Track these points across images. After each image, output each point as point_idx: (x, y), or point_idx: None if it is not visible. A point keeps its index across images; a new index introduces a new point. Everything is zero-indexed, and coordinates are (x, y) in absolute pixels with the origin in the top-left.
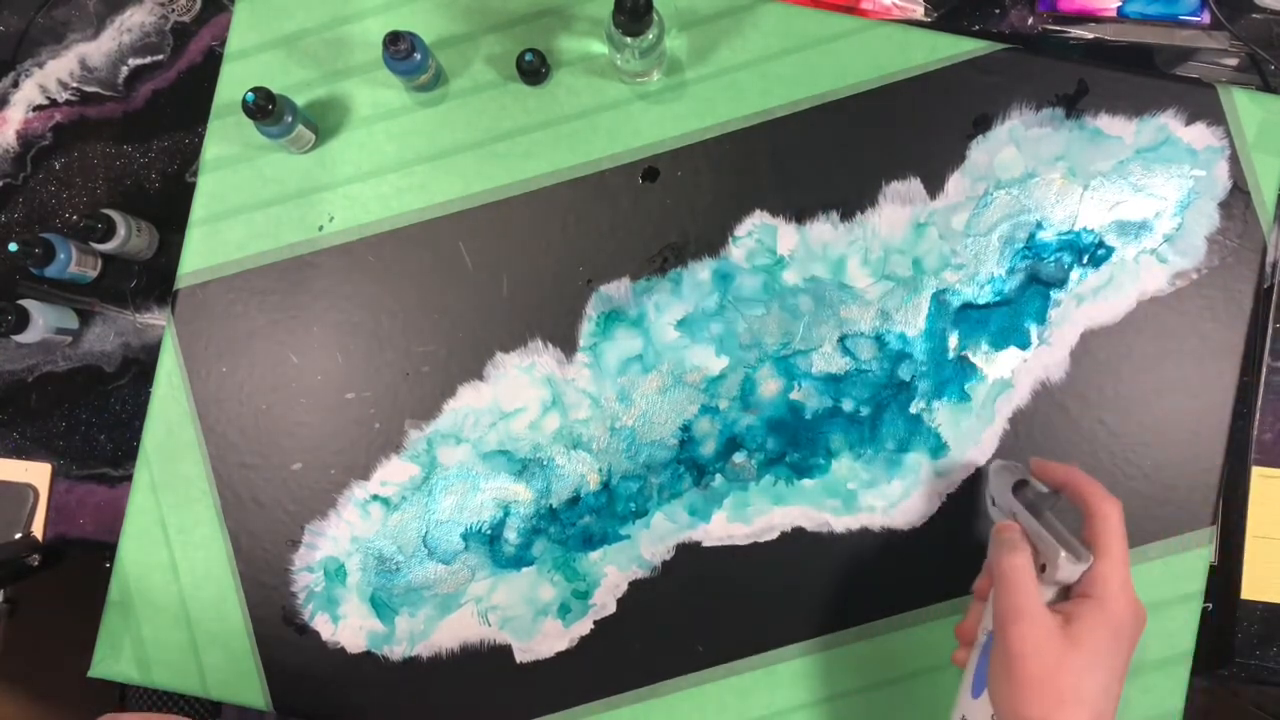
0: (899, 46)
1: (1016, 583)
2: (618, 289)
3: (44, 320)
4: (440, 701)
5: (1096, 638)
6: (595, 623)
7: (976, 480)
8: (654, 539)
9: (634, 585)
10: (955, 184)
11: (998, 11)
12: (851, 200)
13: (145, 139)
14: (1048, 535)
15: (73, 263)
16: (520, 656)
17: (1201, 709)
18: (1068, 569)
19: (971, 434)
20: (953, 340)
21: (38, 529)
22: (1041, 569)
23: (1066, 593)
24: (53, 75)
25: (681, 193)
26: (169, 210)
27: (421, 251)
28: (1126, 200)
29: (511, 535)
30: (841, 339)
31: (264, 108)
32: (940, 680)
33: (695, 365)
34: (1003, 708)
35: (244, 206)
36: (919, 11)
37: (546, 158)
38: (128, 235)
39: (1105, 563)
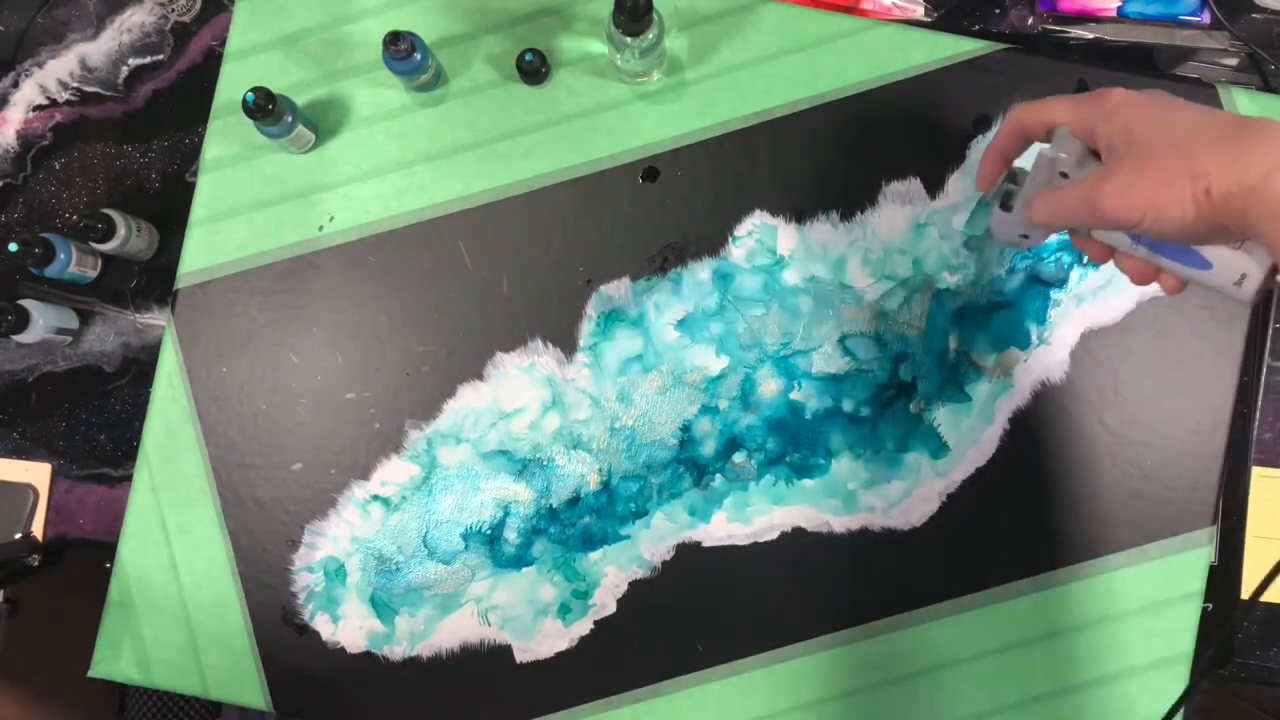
0: (899, 46)
1: (1052, 100)
2: (618, 289)
3: (44, 320)
4: (440, 701)
5: (1145, 113)
6: (595, 623)
7: (977, 480)
8: (654, 539)
9: (634, 585)
10: (955, 184)
11: (998, 11)
12: (851, 200)
13: (145, 139)
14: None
15: (73, 263)
16: (520, 656)
17: (1201, 709)
18: (1064, 145)
19: (971, 434)
20: (953, 340)
21: (38, 529)
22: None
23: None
24: (53, 75)
25: (681, 193)
26: (169, 210)
27: (421, 251)
28: None
29: (511, 535)
30: (841, 339)
31: (264, 108)
32: (940, 680)
33: (695, 365)
34: (1165, 177)
35: (244, 206)
36: (919, 11)
37: (546, 158)
38: (128, 235)
39: (1086, 110)
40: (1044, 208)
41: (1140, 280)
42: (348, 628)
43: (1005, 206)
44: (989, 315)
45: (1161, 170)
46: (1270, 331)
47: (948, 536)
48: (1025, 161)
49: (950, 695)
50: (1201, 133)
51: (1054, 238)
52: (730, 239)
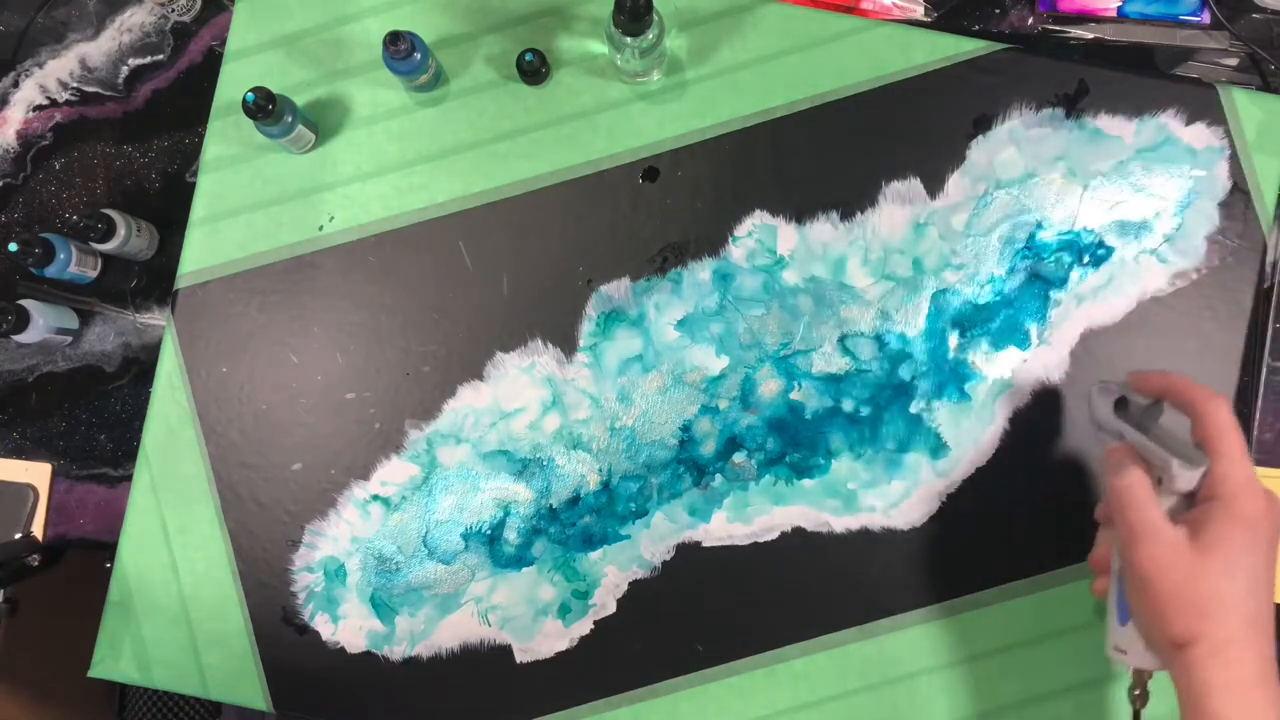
0: (899, 46)
1: (1130, 502)
2: (618, 289)
3: (44, 320)
4: (440, 701)
5: (1229, 540)
6: (595, 623)
7: (977, 480)
8: (654, 539)
9: (634, 585)
10: (955, 184)
11: (998, 11)
12: (851, 200)
13: (145, 139)
14: (1156, 448)
15: (73, 263)
16: (520, 656)
17: None
18: (1184, 476)
19: (971, 434)
20: (953, 340)
21: (38, 529)
22: (1159, 483)
23: (1190, 502)
24: (53, 75)
25: (681, 193)
26: (169, 210)
27: (421, 251)
28: (1126, 200)
29: (511, 535)
30: (841, 339)
31: (264, 108)
32: (941, 680)
33: (695, 365)
34: (1148, 632)
35: (244, 206)
36: (919, 11)
37: (546, 158)
38: (128, 235)
39: (1222, 461)
40: (1114, 479)
41: (1095, 560)
42: (348, 628)
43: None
44: (989, 315)
45: (1183, 609)
46: (1270, 331)
47: (948, 536)
48: (1169, 421)
49: (951, 695)
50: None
51: (1054, 238)
52: (730, 239)
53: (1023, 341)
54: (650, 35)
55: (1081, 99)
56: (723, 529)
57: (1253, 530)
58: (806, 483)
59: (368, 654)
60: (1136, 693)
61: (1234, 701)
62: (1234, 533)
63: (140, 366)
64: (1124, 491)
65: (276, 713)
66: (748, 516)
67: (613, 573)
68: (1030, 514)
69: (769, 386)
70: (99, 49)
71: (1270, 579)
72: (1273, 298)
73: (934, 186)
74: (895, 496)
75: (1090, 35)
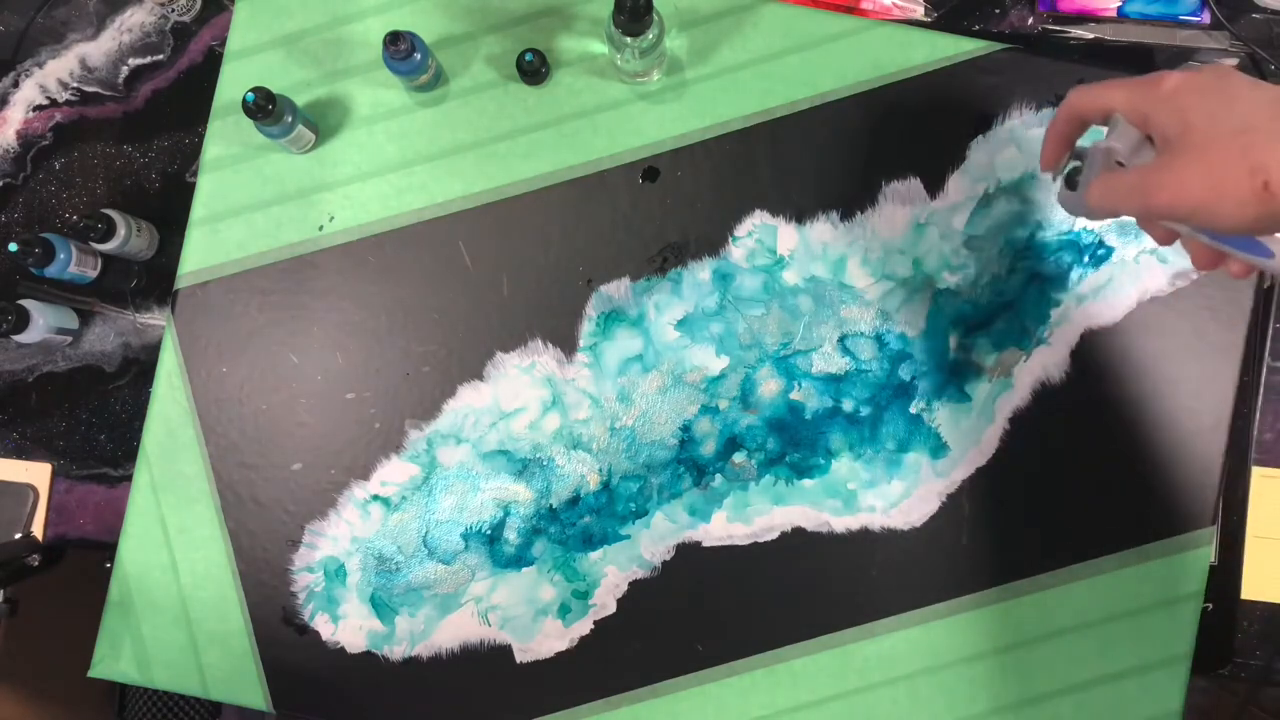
0: (899, 46)
1: (1107, 84)
2: (618, 289)
3: (44, 320)
4: (440, 701)
5: (1200, 104)
6: (595, 623)
7: (977, 480)
8: (654, 539)
9: (634, 585)
10: (955, 184)
11: (998, 11)
12: (851, 200)
13: (145, 139)
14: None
15: (73, 263)
16: (520, 656)
17: (1201, 709)
18: (1119, 133)
19: (971, 434)
20: (953, 340)
21: (38, 529)
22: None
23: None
24: (53, 75)
25: (681, 193)
26: (169, 210)
27: (421, 251)
28: None
29: (511, 535)
30: (841, 339)
31: (264, 108)
32: (940, 680)
33: (695, 365)
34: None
35: (244, 206)
36: (919, 11)
37: (546, 158)
38: (128, 235)
39: (1149, 82)
40: (1099, 195)
41: (1204, 266)
42: (348, 628)
43: (1070, 185)
44: (989, 315)
45: (1217, 163)
46: (1270, 331)
47: (948, 536)
48: (1089, 140)
49: (950, 695)
50: (1260, 123)
51: (1054, 238)
52: (730, 239)
53: (1023, 341)
54: (650, 35)
55: None
56: (723, 529)
57: (1209, 83)
58: (806, 483)
59: (368, 654)
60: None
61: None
62: (1198, 94)
63: (140, 366)
64: (1107, 86)
65: (276, 713)
66: (748, 516)
67: (613, 573)
68: (1030, 514)
69: (769, 386)
70: (99, 49)
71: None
72: (1273, 298)
73: (934, 186)
74: (895, 496)
75: (1090, 35)
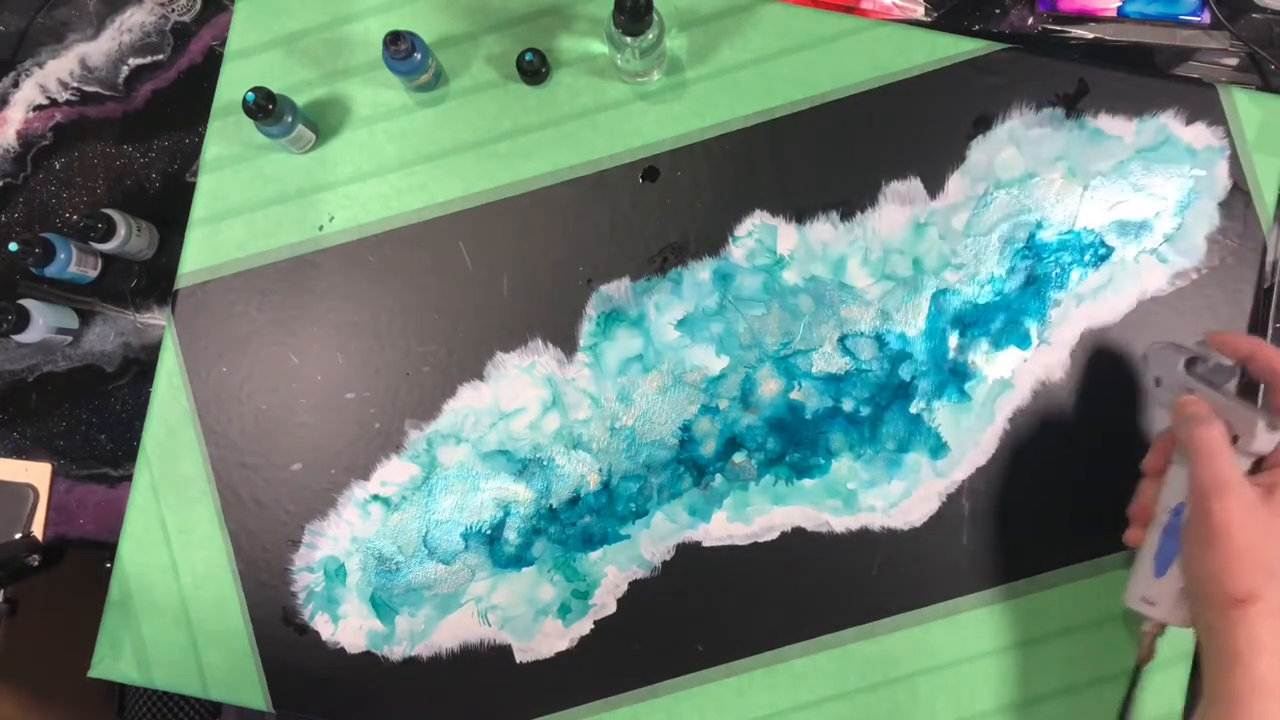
0: (899, 46)
1: (1215, 453)
2: (618, 289)
3: (44, 320)
4: (440, 701)
5: None
6: (595, 623)
7: (977, 480)
8: (654, 539)
9: (634, 585)
10: (955, 184)
11: (998, 11)
12: (851, 200)
13: (145, 139)
14: (1239, 406)
15: (73, 263)
16: (520, 656)
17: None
18: (1265, 438)
19: (971, 434)
20: (953, 340)
21: (38, 529)
22: (1233, 440)
23: (1258, 466)
24: (53, 75)
25: (681, 193)
26: (169, 210)
27: (421, 251)
28: (1126, 200)
29: (511, 535)
30: (841, 339)
31: (264, 107)
32: (940, 681)
33: (695, 365)
34: (1205, 584)
35: (244, 206)
36: (919, 11)
37: (546, 158)
38: (128, 235)
39: None
40: (1183, 420)
41: (1136, 510)
42: (348, 628)
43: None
44: (989, 315)
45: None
46: (1270, 331)
47: (948, 536)
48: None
49: (950, 696)
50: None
51: (1054, 238)
52: (730, 239)
53: (1023, 341)
54: (650, 35)
55: (1081, 99)
56: (723, 529)
57: None
58: (806, 483)
59: (368, 654)
60: (1145, 649)
61: (1274, 665)
62: None
63: (140, 366)
64: (1208, 441)
65: (276, 713)
66: (748, 516)
67: (613, 573)
68: (1030, 514)
69: (769, 386)
70: (99, 49)
71: None
72: (1273, 298)
73: (934, 186)
74: (895, 496)
75: (1090, 35)
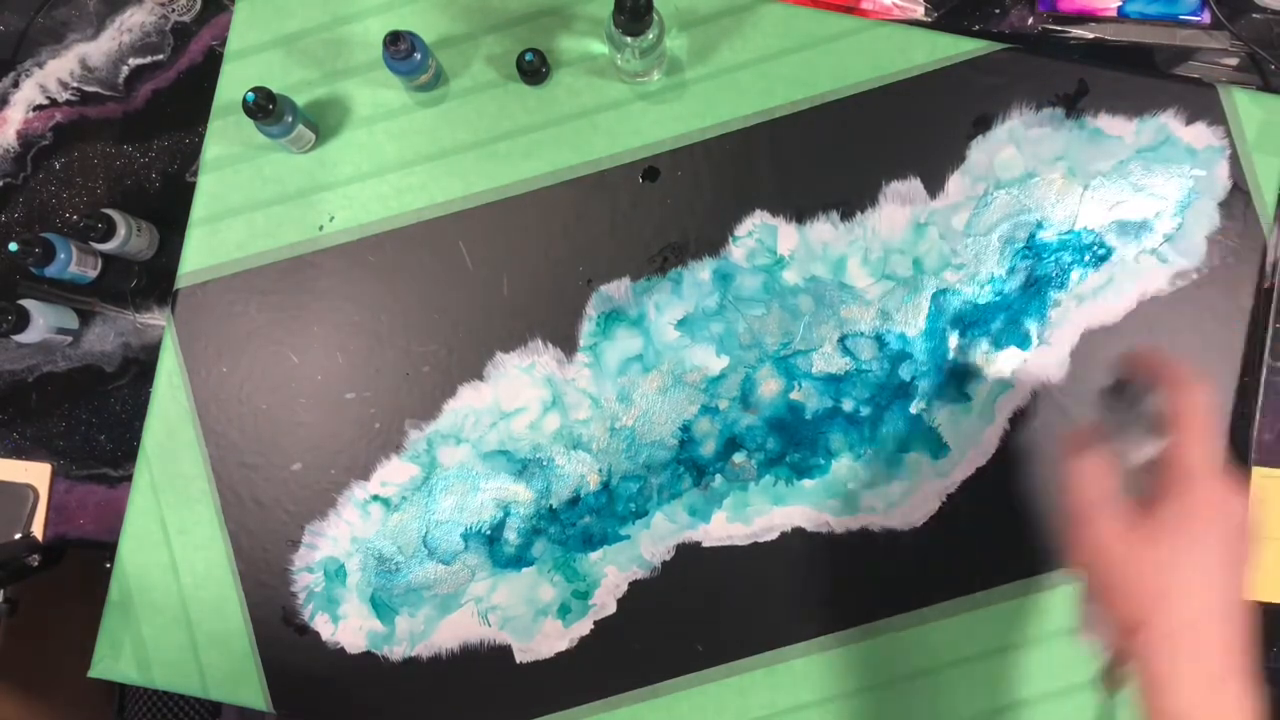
0: (899, 46)
1: (1080, 480)
2: (618, 289)
3: (44, 320)
4: (440, 701)
5: (1181, 523)
6: (595, 623)
7: (977, 480)
8: (654, 539)
9: (634, 585)
10: (955, 184)
11: (998, 11)
12: (851, 200)
13: (145, 139)
14: (1121, 420)
15: (73, 263)
16: (520, 656)
17: None
18: (1139, 449)
19: (971, 434)
20: (953, 340)
21: (38, 529)
22: (1124, 460)
23: (1152, 483)
24: (53, 75)
25: (681, 193)
26: (169, 210)
27: (421, 251)
28: (1126, 200)
29: (511, 535)
30: (842, 339)
31: (264, 108)
32: (940, 681)
33: (695, 365)
34: (1101, 613)
35: (244, 206)
36: (919, 11)
37: (546, 158)
38: (128, 235)
39: (1182, 439)
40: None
41: None
42: (348, 628)
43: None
44: (989, 315)
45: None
46: (1270, 331)
47: (948, 536)
48: None
49: (950, 696)
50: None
51: (1055, 238)
52: (730, 239)
53: (1023, 341)
54: (650, 35)
55: (1081, 99)
56: (723, 529)
57: (1206, 514)
58: (806, 483)
59: (368, 654)
60: (1108, 678)
61: (1190, 697)
62: (1185, 515)
63: (140, 366)
64: (1074, 469)
65: (276, 713)
66: (748, 517)
67: (613, 573)
68: (1030, 514)
69: (769, 386)
70: (99, 49)
71: (1233, 568)
72: (1273, 298)
73: (934, 186)
74: (895, 496)
75: (1090, 35)
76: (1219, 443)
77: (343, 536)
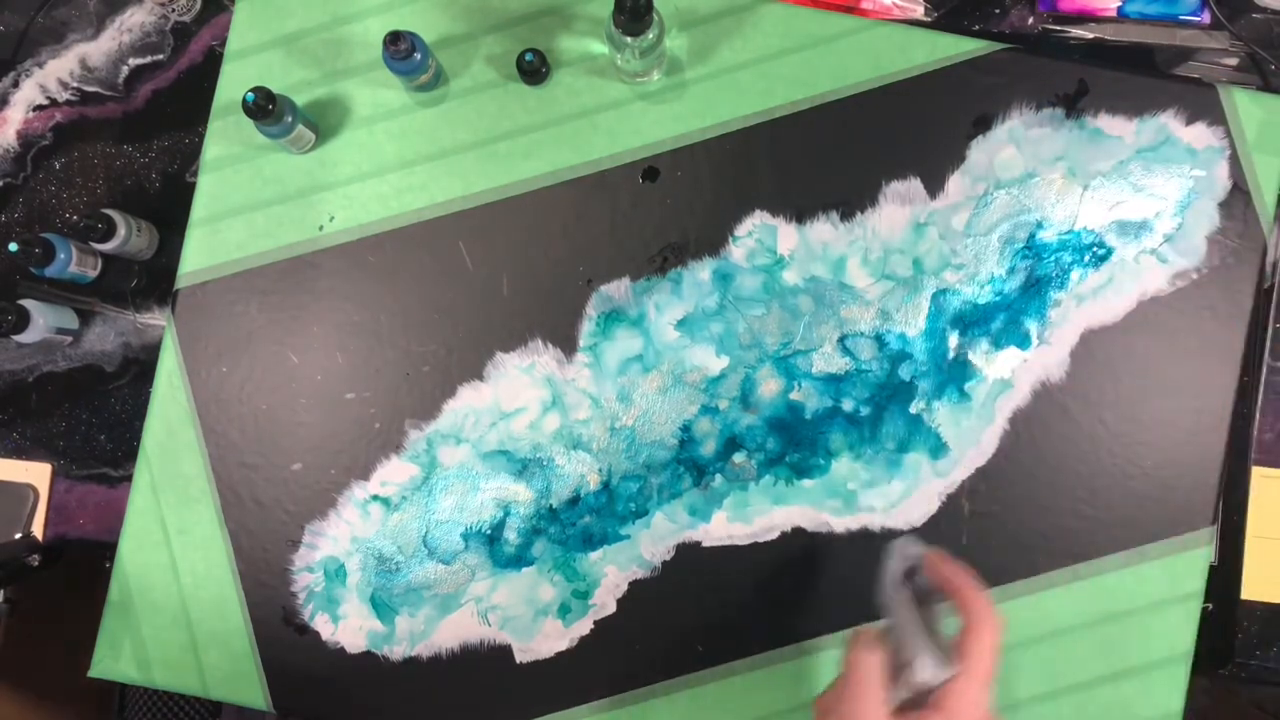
0: (899, 46)
1: (858, 686)
2: (618, 289)
3: (44, 320)
4: (440, 701)
5: None
6: (595, 623)
7: (977, 480)
8: (654, 539)
9: (634, 585)
10: (955, 184)
11: (998, 11)
12: (851, 200)
13: (145, 139)
14: (916, 634)
15: (73, 263)
16: (520, 656)
17: (1201, 709)
18: (928, 672)
19: (971, 434)
20: (953, 340)
21: (38, 529)
22: (906, 666)
23: (926, 699)
24: (53, 75)
25: (681, 193)
26: (169, 210)
27: (421, 251)
28: (1126, 200)
29: (511, 535)
30: (841, 339)
31: (264, 108)
32: None
33: (695, 365)
34: None
35: (244, 206)
36: (919, 11)
37: (546, 158)
38: (128, 235)
39: (964, 679)
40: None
41: None
42: (348, 628)
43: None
44: (989, 315)
45: None
46: (1270, 331)
47: (948, 536)
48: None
49: None
50: None
51: (1054, 238)
52: (730, 239)
53: (1023, 341)
54: (650, 35)
55: (1081, 99)
56: (723, 529)
57: None
58: (806, 483)
59: (368, 654)
60: None
61: None
62: None
63: (140, 366)
64: (857, 668)
65: (276, 713)
66: (748, 516)
67: (613, 573)
68: (1029, 514)
69: (769, 386)
70: (99, 49)
71: None
72: (1273, 298)
73: (934, 186)
74: (895, 496)
75: (1090, 35)
76: (989, 693)
77: (343, 536)
